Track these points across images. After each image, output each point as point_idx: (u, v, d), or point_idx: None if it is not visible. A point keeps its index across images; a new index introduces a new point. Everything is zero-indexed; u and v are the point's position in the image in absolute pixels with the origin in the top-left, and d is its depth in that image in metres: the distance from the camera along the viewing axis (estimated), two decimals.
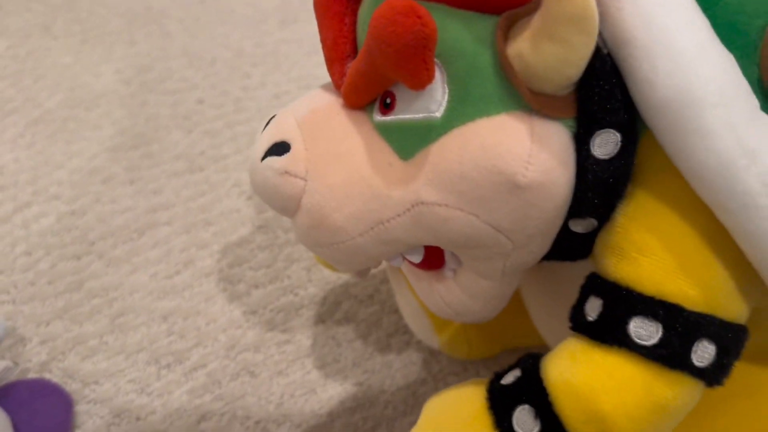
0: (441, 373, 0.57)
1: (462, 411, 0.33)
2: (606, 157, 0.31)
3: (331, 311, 0.62)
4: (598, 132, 0.31)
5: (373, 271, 0.65)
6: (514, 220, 0.32)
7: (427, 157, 0.32)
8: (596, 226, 0.34)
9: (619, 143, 0.31)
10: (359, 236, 0.34)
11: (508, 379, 0.34)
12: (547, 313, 0.45)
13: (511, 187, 0.30)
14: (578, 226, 0.34)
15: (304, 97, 0.37)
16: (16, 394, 0.54)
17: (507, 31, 0.30)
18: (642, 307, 0.31)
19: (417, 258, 0.37)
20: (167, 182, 0.76)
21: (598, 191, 0.32)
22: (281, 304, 0.63)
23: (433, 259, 0.37)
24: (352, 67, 0.34)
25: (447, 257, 0.37)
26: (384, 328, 0.60)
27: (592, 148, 0.31)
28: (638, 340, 0.31)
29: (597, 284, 0.33)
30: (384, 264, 0.60)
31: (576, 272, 0.37)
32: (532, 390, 0.32)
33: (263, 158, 0.35)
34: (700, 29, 0.30)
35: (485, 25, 0.31)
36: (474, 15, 0.31)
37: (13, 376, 0.57)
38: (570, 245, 0.35)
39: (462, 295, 0.37)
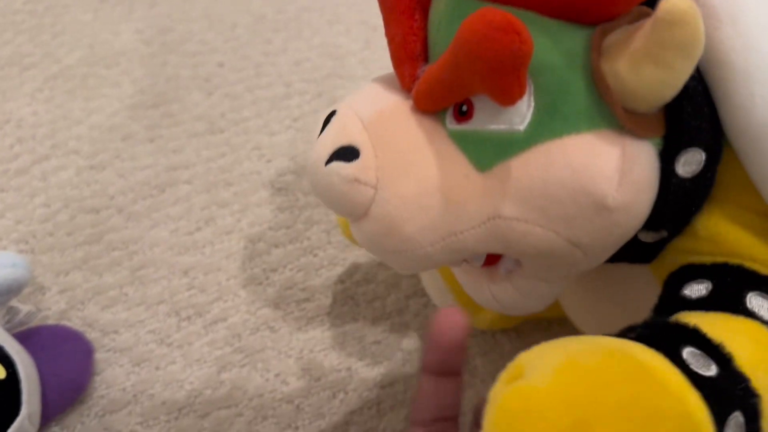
0: None
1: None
2: (689, 175, 0.31)
3: (350, 272, 0.63)
4: (684, 151, 0.31)
5: None
6: (594, 237, 0.31)
7: (507, 171, 0.31)
8: (666, 236, 0.34)
9: (703, 162, 0.31)
10: (429, 246, 0.33)
11: (699, 367, 0.28)
12: (586, 309, 0.45)
13: (599, 208, 0.30)
14: (648, 237, 0.34)
15: (364, 91, 0.35)
16: (39, 338, 0.55)
17: (600, 45, 0.29)
18: (759, 284, 0.31)
19: (479, 262, 0.36)
20: (187, 142, 0.76)
21: (678, 206, 0.32)
22: (301, 263, 0.64)
23: (491, 259, 0.36)
24: (429, 72, 0.32)
25: (505, 258, 0.36)
26: (403, 289, 0.61)
27: (676, 166, 0.31)
28: (759, 312, 0.30)
29: (697, 270, 0.33)
30: None
31: (626, 273, 0.38)
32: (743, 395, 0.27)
33: (328, 161, 0.33)
34: None
35: (576, 37, 0.29)
36: (564, 25, 0.29)
37: (34, 321, 0.58)
38: (635, 252, 0.35)
39: (515, 293, 0.36)
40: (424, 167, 0.32)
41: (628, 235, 0.32)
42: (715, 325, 0.29)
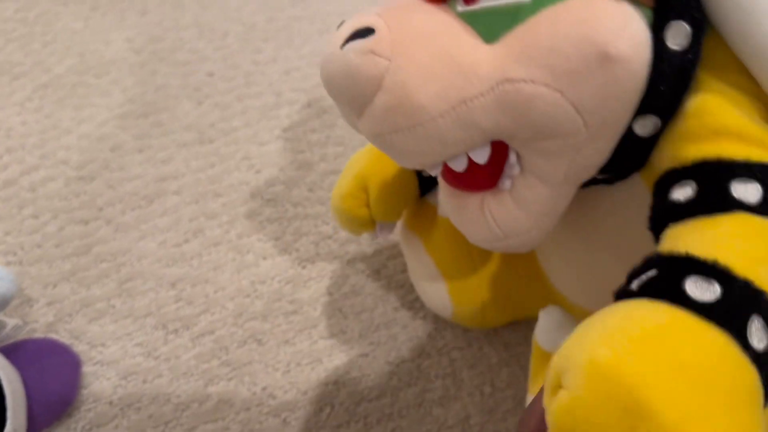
0: (446, 347, 0.58)
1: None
2: (678, 48, 0.33)
3: (338, 284, 0.63)
4: (671, 23, 0.33)
5: (381, 247, 0.66)
6: (596, 98, 0.33)
7: (515, 37, 0.33)
8: (659, 128, 0.35)
9: (690, 35, 0.33)
10: (440, 117, 0.34)
11: (703, 294, 0.29)
12: (585, 249, 0.45)
13: (602, 58, 0.31)
14: (643, 127, 0.35)
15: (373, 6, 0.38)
16: (25, 351, 0.55)
17: None
18: (740, 171, 0.32)
19: (482, 157, 0.37)
20: (177, 152, 0.76)
21: (670, 83, 0.33)
22: (289, 275, 0.64)
23: (494, 166, 0.37)
24: None
25: (508, 165, 0.37)
26: (390, 302, 0.61)
27: (666, 39, 0.33)
28: (744, 198, 0.31)
29: (680, 173, 0.34)
30: (396, 236, 0.61)
31: (616, 199, 0.39)
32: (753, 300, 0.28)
33: (344, 45, 0.34)
34: None
35: None
36: None
37: (21, 335, 0.58)
38: (629, 152, 0.36)
39: (515, 209, 0.38)
40: (436, 39, 0.34)
41: (625, 104, 0.34)
42: (704, 240, 0.30)
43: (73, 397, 0.55)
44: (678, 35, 0.33)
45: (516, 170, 0.37)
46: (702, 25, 0.33)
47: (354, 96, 0.35)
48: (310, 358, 0.57)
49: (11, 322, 0.56)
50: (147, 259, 0.65)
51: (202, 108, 0.81)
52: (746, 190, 0.31)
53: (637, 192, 0.38)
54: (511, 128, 0.35)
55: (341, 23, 0.37)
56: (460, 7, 0.35)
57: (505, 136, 0.35)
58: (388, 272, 0.63)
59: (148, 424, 0.54)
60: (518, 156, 0.36)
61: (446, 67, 0.33)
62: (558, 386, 0.26)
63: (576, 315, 0.50)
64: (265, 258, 0.65)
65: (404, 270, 0.63)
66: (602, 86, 0.32)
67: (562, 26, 0.32)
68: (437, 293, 0.55)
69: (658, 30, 0.33)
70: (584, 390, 0.25)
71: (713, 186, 0.32)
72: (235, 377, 0.56)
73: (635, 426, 0.23)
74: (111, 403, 0.55)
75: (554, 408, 0.25)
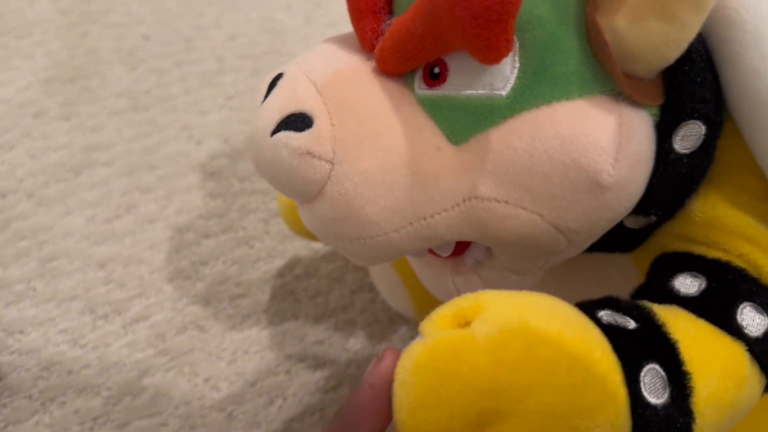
0: (408, 333, 0.55)
1: (575, 339, 0.25)
2: (687, 151, 0.28)
3: (290, 266, 0.59)
4: (683, 123, 0.28)
5: None
6: (582, 220, 0.28)
7: (486, 144, 0.27)
8: (653, 222, 0.31)
9: (702, 137, 0.28)
10: (393, 232, 0.28)
11: (624, 323, 0.28)
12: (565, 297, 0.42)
13: (591, 186, 0.26)
14: (635, 223, 0.31)
15: (316, 51, 0.31)
16: None
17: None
18: (753, 292, 0.29)
19: (446, 252, 0.32)
20: (107, 120, 0.69)
21: (673, 187, 0.29)
22: (235, 256, 0.59)
23: (459, 248, 0.32)
24: (396, 25, 0.28)
25: (474, 246, 0.32)
26: (348, 284, 0.57)
27: (674, 141, 0.28)
28: (746, 328, 0.28)
29: (694, 262, 0.30)
30: None
31: (602, 265, 0.35)
32: (660, 346, 0.27)
33: (274, 131, 0.28)
34: None
35: None
36: None
37: None
38: (618, 240, 0.32)
39: (483, 288, 0.32)
40: (390, 138, 0.28)
41: (617, 219, 0.29)
42: (693, 347, 0.27)
43: None
44: (689, 137, 0.28)
45: (481, 256, 0.32)
46: (719, 123, 0.29)
47: (291, 194, 0.29)
48: (259, 345, 0.53)
49: None
50: (73, 237, 0.59)
51: (137, 73, 0.75)
52: (752, 319, 0.28)
53: (620, 269, 0.35)
54: (478, 239, 0.30)
55: (274, 80, 0.30)
56: (420, 90, 0.28)
57: (475, 241, 0.30)
58: None
59: (73, 420, 0.48)
60: (487, 249, 0.31)
61: (401, 178, 0.27)
62: (467, 319, 0.25)
63: None
64: (207, 237, 0.60)
65: None
66: (591, 211, 0.27)
67: (543, 142, 0.26)
68: (399, 300, 0.51)
69: (666, 130, 0.28)
70: (487, 347, 0.23)
71: (722, 297, 0.29)
72: (174, 367, 0.51)
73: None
74: (30, 396, 0.49)
75: (450, 334, 0.24)
